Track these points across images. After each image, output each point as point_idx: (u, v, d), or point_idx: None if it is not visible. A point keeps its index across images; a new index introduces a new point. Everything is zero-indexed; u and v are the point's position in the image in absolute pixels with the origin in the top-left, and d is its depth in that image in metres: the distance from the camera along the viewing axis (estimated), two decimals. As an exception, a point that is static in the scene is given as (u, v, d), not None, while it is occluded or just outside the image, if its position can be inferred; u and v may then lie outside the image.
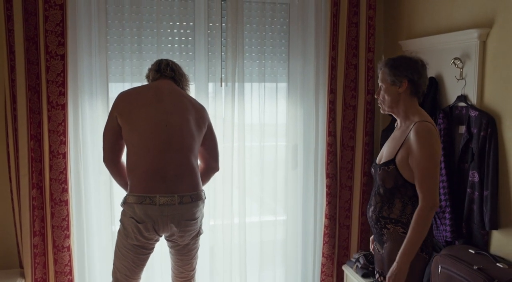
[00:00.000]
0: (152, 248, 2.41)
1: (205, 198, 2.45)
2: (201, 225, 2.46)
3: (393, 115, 2.22)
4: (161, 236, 2.38)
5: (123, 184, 2.45)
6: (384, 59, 2.19)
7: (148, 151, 2.28)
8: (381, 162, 2.18)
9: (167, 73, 2.46)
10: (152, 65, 2.53)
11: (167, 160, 2.29)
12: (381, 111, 2.24)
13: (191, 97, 2.51)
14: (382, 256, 2.23)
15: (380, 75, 2.18)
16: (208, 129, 2.48)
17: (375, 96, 2.25)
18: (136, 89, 2.45)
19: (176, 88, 2.45)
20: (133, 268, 2.36)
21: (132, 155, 2.32)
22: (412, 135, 2.05)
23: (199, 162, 2.52)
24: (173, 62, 2.52)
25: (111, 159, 2.41)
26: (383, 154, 2.22)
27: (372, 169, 2.30)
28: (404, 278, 2.06)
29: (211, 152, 2.53)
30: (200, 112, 2.43)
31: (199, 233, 2.46)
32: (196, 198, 2.36)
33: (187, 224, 2.34)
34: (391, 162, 2.11)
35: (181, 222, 2.31)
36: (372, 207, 2.24)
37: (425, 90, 2.16)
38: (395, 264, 2.07)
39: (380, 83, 2.19)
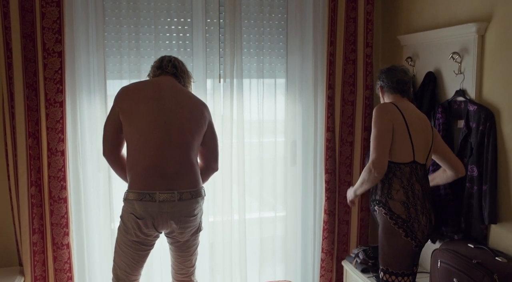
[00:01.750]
0: (152, 245, 2.41)
1: (205, 194, 2.45)
2: (201, 221, 2.46)
3: None
4: (160, 232, 2.37)
5: (124, 177, 2.45)
6: None
7: (147, 147, 2.28)
8: None
9: (168, 70, 2.44)
10: (155, 62, 2.51)
11: (166, 156, 2.29)
12: None
13: (192, 94, 2.50)
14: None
15: None
16: (209, 128, 2.47)
17: None
18: (137, 84, 2.44)
19: (176, 84, 2.43)
20: (133, 264, 2.36)
21: (131, 151, 2.32)
22: None
23: (199, 161, 2.52)
24: (176, 59, 2.50)
25: (111, 152, 2.40)
26: None
27: None
28: (349, 199, 2.55)
29: (211, 153, 2.52)
30: (200, 109, 2.42)
31: (199, 229, 2.46)
32: (196, 194, 2.36)
33: (186, 221, 2.34)
34: None
35: (181, 219, 2.31)
36: None
37: (397, 82, 2.45)
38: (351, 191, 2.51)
39: None
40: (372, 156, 2.27)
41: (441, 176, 2.51)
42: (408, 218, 2.22)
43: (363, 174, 2.33)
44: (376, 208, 2.34)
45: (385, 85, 2.48)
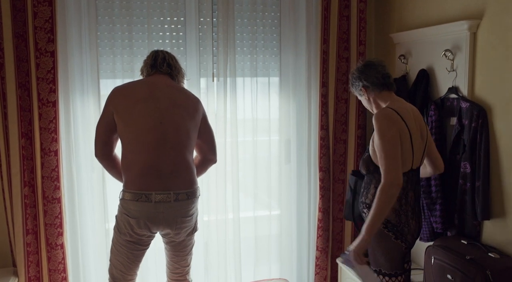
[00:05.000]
0: (147, 245, 2.41)
1: (200, 194, 2.45)
2: (196, 221, 2.46)
3: None
4: (154, 233, 2.37)
5: (118, 176, 2.44)
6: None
7: (143, 147, 2.27)
8: None
9: (163, 70, 2.41)
10: (148, 58, 2.46)
11: (162, 157, 2.28)
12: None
13: (186, 90, 2.48)
14: None
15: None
16: (203, 121, 2.46)
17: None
18: (131, 84, 2.41)
19: (171, 83, 2.42)
20: (128, 264, 2.36)
21: (127, 151, 2.30)
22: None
23: (196, 154, 2.52)
24: (170, 56, 2.46)
25: (103, 153, 2.38)
26: None
27: None
28: (364, 249, 2.17)
29: (208, 144, 2.51)
30: (195, 107, 2.42)
31: (194, 230, 2.46)
32: (192, 195, 2.35)
33: (182, 221, 2.34)
34: (367, 150, 2.27)
35: (176, 219, 2.31)
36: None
37: (383, 77, 2.27)
38: (360, 235, 2.15)
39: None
40: (387, 175, 2.07)
41: (421, 172, 2.45)
42: (398, 223, 2.18)
43: (381, 200, 2.07)
44: (365, 210, 2.27)
45: (370, 84, 2.27)
